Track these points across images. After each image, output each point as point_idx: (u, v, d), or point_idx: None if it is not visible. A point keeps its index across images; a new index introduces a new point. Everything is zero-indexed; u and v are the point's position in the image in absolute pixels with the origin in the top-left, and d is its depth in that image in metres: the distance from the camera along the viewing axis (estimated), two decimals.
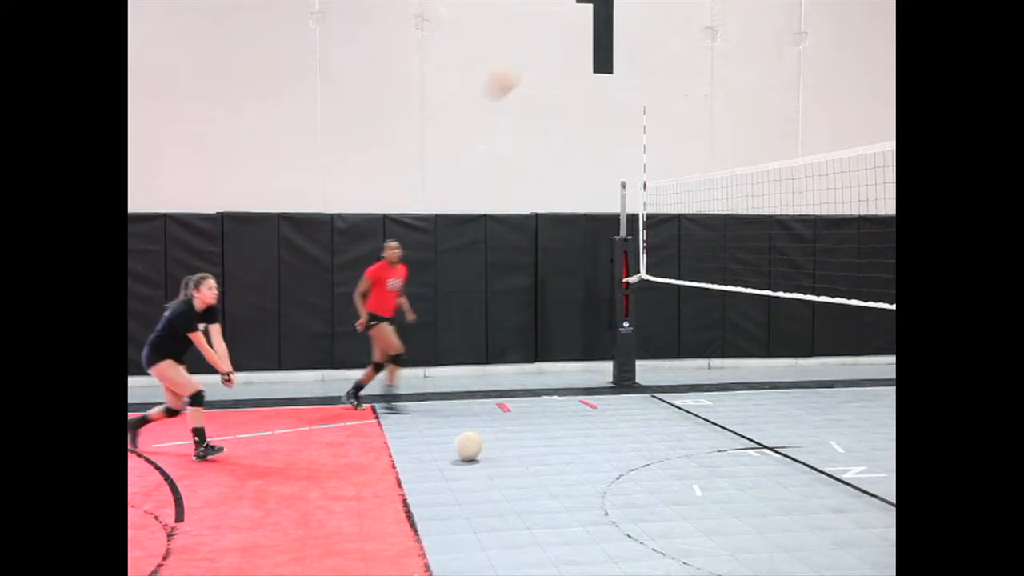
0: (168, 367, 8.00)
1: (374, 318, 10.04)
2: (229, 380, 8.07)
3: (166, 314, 8.09)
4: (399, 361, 10.25)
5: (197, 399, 7.96)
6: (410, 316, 10.36)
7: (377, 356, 10.24)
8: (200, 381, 8.14)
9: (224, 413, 10.14)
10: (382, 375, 10.31)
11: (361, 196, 12.77)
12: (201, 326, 8.03)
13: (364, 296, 10.04)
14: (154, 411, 8.32)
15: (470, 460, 7.84)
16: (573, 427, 9.31)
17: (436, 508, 6.49)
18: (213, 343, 8.12)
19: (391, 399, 10.29)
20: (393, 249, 10.19)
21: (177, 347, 8.03)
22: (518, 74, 7.58)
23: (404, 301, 10.33)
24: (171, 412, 8.25)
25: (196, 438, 7.95)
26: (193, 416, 7.95)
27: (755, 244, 13.28)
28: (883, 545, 5.69)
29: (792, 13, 14.18)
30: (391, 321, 10.17)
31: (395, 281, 10.16)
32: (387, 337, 10.10)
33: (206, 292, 8.05)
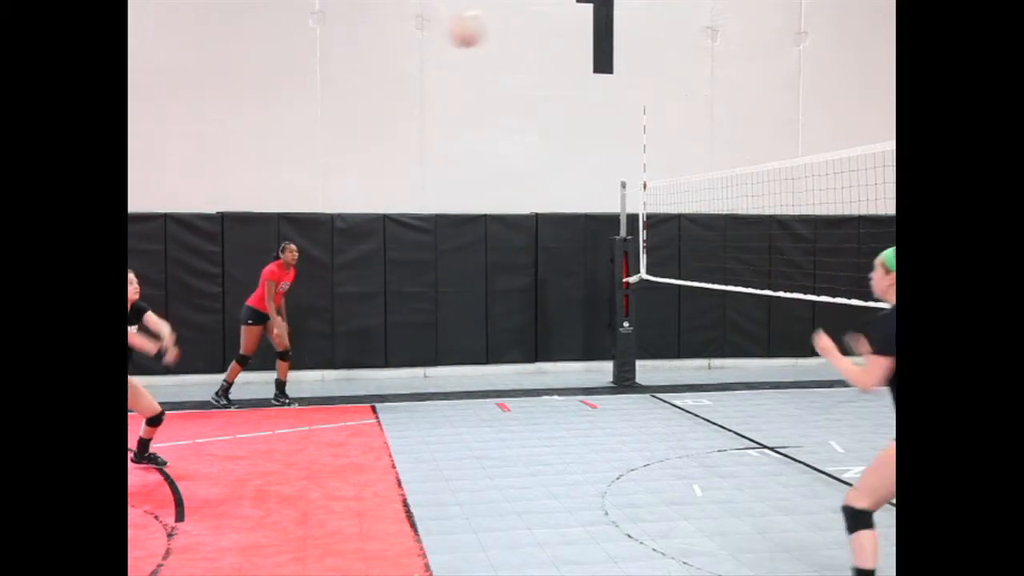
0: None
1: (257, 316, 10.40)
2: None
3: None
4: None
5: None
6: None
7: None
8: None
9: (224, 413, 10.14)
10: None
11: (361, 196, 12.78)
12: None
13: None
14: None
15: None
16: (573, 427, 9.31)
17: (436, 508, 6.49)
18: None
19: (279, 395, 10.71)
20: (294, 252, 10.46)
21: None
22: (478, 26, 7.28)
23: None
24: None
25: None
26: None
27: (755, 244, 13.27)
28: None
29: (792, 13, 14.18)
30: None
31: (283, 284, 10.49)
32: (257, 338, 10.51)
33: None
